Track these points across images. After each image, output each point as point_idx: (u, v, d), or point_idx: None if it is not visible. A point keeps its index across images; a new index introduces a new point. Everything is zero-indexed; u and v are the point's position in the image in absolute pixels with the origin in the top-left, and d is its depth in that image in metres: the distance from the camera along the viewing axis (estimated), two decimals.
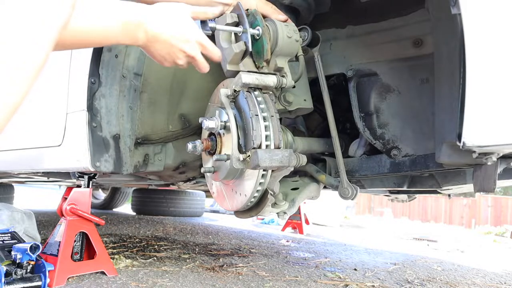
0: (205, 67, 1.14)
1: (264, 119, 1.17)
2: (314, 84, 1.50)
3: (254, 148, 1.14)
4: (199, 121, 1.26)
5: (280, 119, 1.28)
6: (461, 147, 0.88)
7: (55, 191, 7.84)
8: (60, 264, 1.52)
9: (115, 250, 2.29)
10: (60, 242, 1.56)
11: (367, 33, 1.49)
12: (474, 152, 0.93)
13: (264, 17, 1.28)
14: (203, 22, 1.19)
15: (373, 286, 1.79)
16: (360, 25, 1.50)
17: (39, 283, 1.38)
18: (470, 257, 3.25)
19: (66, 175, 2.07)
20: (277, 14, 1.27)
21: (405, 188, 1.72)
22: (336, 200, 5.32)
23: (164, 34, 1.02)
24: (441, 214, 13.63)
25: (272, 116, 1.18)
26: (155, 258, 2.15)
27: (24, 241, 1.57)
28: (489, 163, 1.03)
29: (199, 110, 1.67)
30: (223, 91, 1.26)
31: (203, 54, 1.12)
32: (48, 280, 1.41)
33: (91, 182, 1.76)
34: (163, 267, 1.91)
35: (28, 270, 1.39)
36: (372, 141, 1.51)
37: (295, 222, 4.08)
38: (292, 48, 1.28)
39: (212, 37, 1.20)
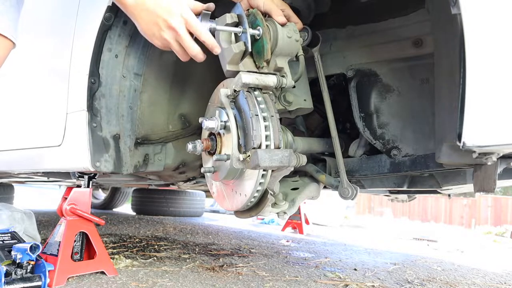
0: (191, 47, 1.17)
1: (264, 119, 1.17)
2: (314, 84, 1.50)
3: (254, 148, 1.14)
4: (199, 121, 1.26)
5: (280, 119, 1.28)
6: (461, 147, 0.88)
7: (55, 191, 7.84)
8: (60, 264, 1.52)
9: (115, 250, 2.29)
10: (60, 242, 1.56)
11: (367, 33, 1.49)
12: (474, 152, 0.93)
13: (268, 15, 1.28)
14: (203, 21, 1.19)
15: (373, 286, 1.79)
16: (360, 25, 1.50)
17: (39, 283, 1.38)
18: (470, 257, 3.24)
19: (66, 175, 2.07)
20: (277, 15, 1.26)
21: (405, 188, 1.72)
22: (336, 200, 5.32)
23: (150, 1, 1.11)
24: (441, 214, 13.63)
25: (272, 116, 1.18)
26: (155, 258, 2.15)
27: (24, 241, 1.57)
28: (489, 163, 1.03)
29: (199, 110, 1.67)
30: (223, 91, 1.26)
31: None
32: (48, 280, 1.41)
33: (91, 182, 1.76)
34: (163, 267, 1.91)
35: (28, 270, 1.39)
36: (372, 141, 1.51)
37: (295, 222, 4.08)
38: (292, 48, 1.28)
39: None
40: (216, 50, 1.20)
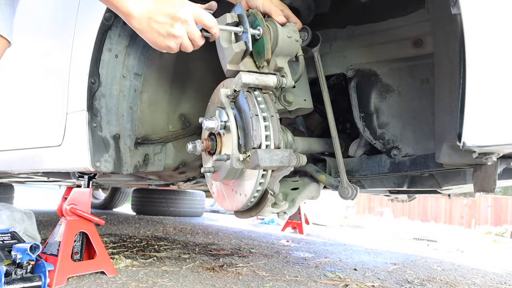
0: (209, 22, 1.14)
1: (264, 119, 1.17)
2: (314, 84, 1.50)
3: (254, 148, 1.14)
4: (199, 121, 1.26)
5: (280, 119, 1.28)
6: (461, 147, 0.88)
7: (55, 191, 7.84)
8: (60, 264, 1.52)
9: (115, 250, 2.29)
10: (60, 242, 1.56)
11: (367, 33, 1.49)
12: (474, 152, 0.93)
13: (267, 15, 1.28)
14: None
15: (373, 286, 1.79)
16: (360, 25, 1.50)
17: (39, 283, 1.38)
18: (470, 257, 3.24)
19: (66, 175, 2.07)
20: (277, 15, 1.27)
21: (405, 188, 1.72)
22: (336, 200, 5.32)
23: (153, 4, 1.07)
24: (441, 214, 13.61)
25: (272, 116, 1.18)
26: (155, 258, 2.15)
27: (24, 241, 1.57)
28: (489, 163, 1.03)
29: (199, 110, 1.67)
30: (223, 91, 1.26)
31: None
32: (48, 280, 1.41)
33: (91, 182, 1.76)
34: (163, 267, 1.91)
35: (28, 270, 1.39)
36: (372, 141, 1.51)
37: (295, 222, 4.08)
38: (292, 48, 1.28)
39: None
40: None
